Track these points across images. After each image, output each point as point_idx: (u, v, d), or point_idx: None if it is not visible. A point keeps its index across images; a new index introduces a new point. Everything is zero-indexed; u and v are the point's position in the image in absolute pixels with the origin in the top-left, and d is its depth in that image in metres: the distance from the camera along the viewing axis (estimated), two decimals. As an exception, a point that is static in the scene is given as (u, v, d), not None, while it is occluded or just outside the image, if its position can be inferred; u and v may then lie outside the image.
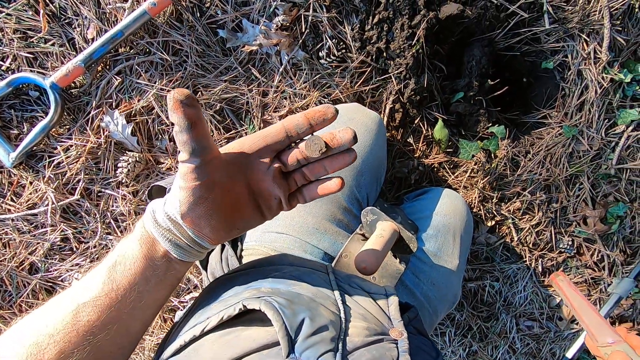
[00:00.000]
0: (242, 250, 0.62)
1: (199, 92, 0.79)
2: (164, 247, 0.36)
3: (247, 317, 0.36)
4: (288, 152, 0.38)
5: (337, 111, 0.37)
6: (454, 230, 0.74)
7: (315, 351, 0.32)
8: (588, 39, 0.85)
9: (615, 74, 0.87)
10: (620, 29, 0.85)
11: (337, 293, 0.43)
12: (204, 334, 0.36)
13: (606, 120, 0.91)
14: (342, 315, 0.39)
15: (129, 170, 0.75)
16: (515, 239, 0.96)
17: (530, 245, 0.97)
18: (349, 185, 0.65)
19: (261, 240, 0.61)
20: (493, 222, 0.95)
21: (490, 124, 0.87)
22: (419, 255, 0.70)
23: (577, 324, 1.03)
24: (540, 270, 0.99)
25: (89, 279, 0.36)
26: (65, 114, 0.76)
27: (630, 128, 0.91)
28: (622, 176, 0.94)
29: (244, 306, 0.35)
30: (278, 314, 0.34)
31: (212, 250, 0.65)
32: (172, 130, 0.35)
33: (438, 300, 0.68)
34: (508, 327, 1.02)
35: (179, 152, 0.34)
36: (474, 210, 0.93)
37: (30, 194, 0.77)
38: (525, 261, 0.98)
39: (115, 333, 0.36)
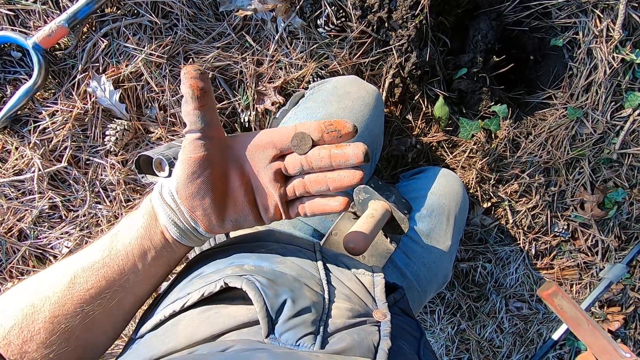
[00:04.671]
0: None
1: (190, 59, 0.76)
2: (163, 224, 0.36)
3: (228, 294, 0.36)
4: (292, 157, 0.36)
5: (355, 130, 0.35)
6: (448, 211, 0.72)
7: (295, 334, 0.32)
8: (602, 15, 0.80)
9: (627, 54, 0.83)
10: (637, 5, 0.80)
11: (322, 273, 0.42)
12: (183, 309, 0.35)
13: (613, 103, 0.88)
14: (326, 295, 0.38)
15: (117, 138, 0.73)
16: (511, 221, 0.95)
17: (525, 228, 0.96)
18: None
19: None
20: (489, 204, 0.94)
21: (493, 103, 0.84)
22: (411, 235, 0.69)
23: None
24: (534, 253, 0.99)
25: (91, 246, 0.37)
26: (50, 77, 0.73)
27: (637, 112, 0.88)
28: (624, 161, 0.92)
29: (226, 284, 0.34)
30: (259, 294, 0.33)
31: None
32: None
33: (428, 281, 0.68)
34: (497, 307, 1.03)
35: (184, 125, 0.34)
36: (471, 191, 0.92)
37: (16, 159, 0.75)
38: (519, 244, 0.97)
39: (107, 304, 0.36)
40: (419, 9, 0.72)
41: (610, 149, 0.91)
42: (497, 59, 0.82)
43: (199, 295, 0.34)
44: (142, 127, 0.77)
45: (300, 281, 0.38)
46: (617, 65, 0.83)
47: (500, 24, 0.82)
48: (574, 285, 1.03)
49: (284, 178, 0.38)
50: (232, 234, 0.60)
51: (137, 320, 0.42)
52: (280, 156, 0.37)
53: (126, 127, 0.74)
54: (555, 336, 0.91)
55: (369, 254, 0.62)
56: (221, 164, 0.36)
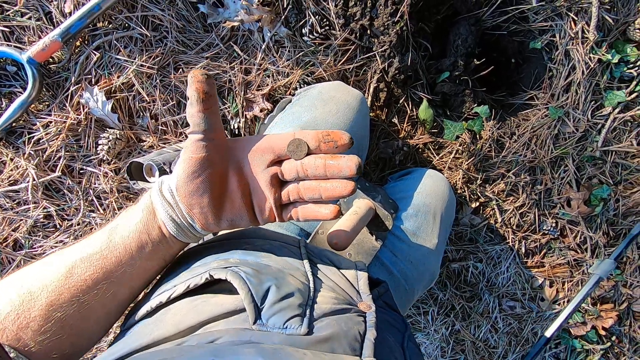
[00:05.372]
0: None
1: (180, 69, 0.78)
2: (161, 219, 0.38)
3: (214, 287, 0.37)
4: (289, 163, 0.38)
5: (351, 142, 0.37)
6: (435, 210, 0.74)
7: (282, 317, 0.32)
8: (576, 18, 0.83)
9: (603, 55, 0.86)
10: (609, 7, 0.83)
11: (307, 265, 0.43)
12: (170, 300, 0.36)
13: (593, 102, 0.90)
14: (312, 285, 0.39)
15: (109, 147, 0.75)
16: (499, 220, 0.97)
17: (514, 227, 0.97)
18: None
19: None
20: (477, 204, 0.95)
21: (476, 105, 0.87)
22: (397, 233, 0.70)
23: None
24: (524, 251, 1.00)
25: (89, 238, 0.38)
26: (44, 89, 0.75)
27: (617, 110, 0.91)
28: (607, 158, 0.94)
29: (211, 275, 0.35)
30: (244, 282, 0.34)
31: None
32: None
33: (415, 279, 0.69)
34: (491, 307, 1.04)
35: (188, 126, 0.36)
36: (459, 191, 0.94)
37: (11, 170, 0.77)
38: (509, 242, 0.99)
39: (103, 294, 0.37)
40: (398, 15, 0.75)
41: (593, 147, 0.93)
42: (478, 62, 0.84)
43: (185, 287, 0.36)
44: (134, 135, 0.79)
45: (284, 271, 0.39)
46: (594, 65, 0.86)
47: (479, 29, 0.85)
48: (566, 283, 1.03)
49: (279, 182, 0.39)
50: (222, 233, 0.61)
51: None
52: (278, 161, 0.38)
53: (118, 136, 0.76)
54: (548, 333, 0.92)
55: (356, 251, 0.63)
56: (221, 166, 0.38)
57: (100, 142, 0.76)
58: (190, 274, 0.38)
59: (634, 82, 0.89)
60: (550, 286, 1.03)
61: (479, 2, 0.81)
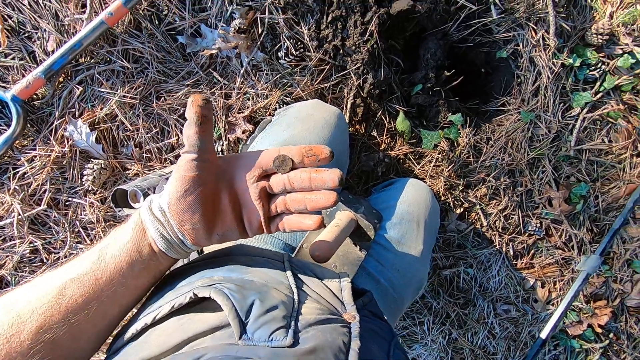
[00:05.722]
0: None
1: (162, 98, 0.81)
2: (151, 237, 0.38)
3: (200, 305, 0.37)
4: (276, 177, 0.40)
5: (332, 155, 0.40)
6: (418, 217, 0.75)
7: (267, 329, 0.33)
8: (536, 27, 0.89)
9: (565, 59, 0.90)
10: (565, 15, 0.89)
11: (291, 279, 0.44)
12: (155, 322, 0.37)
13: (561, 104, 0.94)
14: (296, 297, 0.40)
15: (94, 177, 0.76)
16: (485, 224, 0.98)
17: (500, 230, 0.99)
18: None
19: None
20: (462, 209, 0.97)
21: (450, 114, 0.90)
22: (382, 243, 0.71)
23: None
24: (512, 253, 1.01)
25: (78, 259, 0.38)
26: (29, 125, 0.77)
27: (585, 110, 0.95)
28: (582, 157, 0.97)
29: (195, 294, 0.36)
30: (227, 298, 0.35)
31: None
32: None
33: (402, 286, 0.69)
34: (486, 312, 1.04)
35: (183, 146, 0.37)
36: (442, 198, 0.96)
37: (-3, 207, 0.77)
38: (496, 246, 1.00)
39: (94, 314, 0.37)
40: (368, 34, 0.79)
41: (567, 147, 0.96)
42: (448, 74, 0.88)
43: (170, 307, 0.36)
44: (120, 164, 0.81)
45: (268, 285, 0.40)
46: (558, 69, 0.91)
47: (447, 43, 0.90)
48: (557, 282, 1.04)
49: (267, 196, 0.41)
50: (206, 249, 0.62)
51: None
52: (265, 176, 0.41)
53: (103, 165, 0.77)
54: (543, 335, 0.92)
55: (341, 262, 0.64)
56: (213, 183, 0.39)
57: (85, 172, 0.77)
58: (175, 294, 0.39)
59: (598, 83, 0.94)
60: (542, 287, 1.04)
61: (444, 18, 0.86)
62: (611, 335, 1.09)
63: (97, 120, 0.78)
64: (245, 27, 0.80)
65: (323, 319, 0.37)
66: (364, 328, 0.40)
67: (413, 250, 0.72)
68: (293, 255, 0.61)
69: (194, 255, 0.61)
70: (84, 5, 0.75)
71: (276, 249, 0.62)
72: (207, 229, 0.39)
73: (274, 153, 0.40)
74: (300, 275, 0.47)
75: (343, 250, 0.65)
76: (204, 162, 0.38)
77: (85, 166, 0.77)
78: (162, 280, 0.49)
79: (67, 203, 0.80)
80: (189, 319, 0.36)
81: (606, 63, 0.93)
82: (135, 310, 0.44)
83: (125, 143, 0.80)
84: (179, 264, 0.63)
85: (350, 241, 0.65)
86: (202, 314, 0.36)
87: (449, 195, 0.96)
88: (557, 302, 1.04)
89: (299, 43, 0.83)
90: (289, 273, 0.45)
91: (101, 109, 0.77)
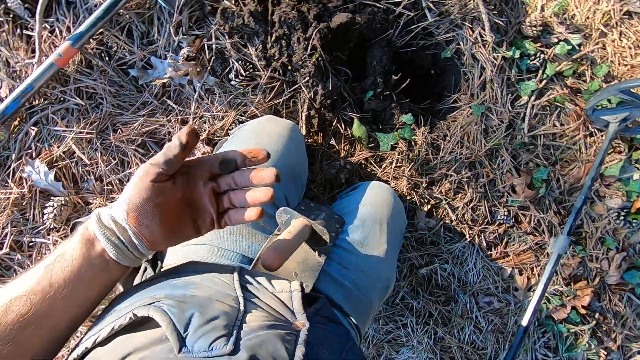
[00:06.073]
0: (161, 268, 0.63)
1: (119, 130, 0.83)
2: (102, 246, 0.40)
3: (142, 325, 0.37)
4: (223, 177, 0.45)
5: (268, 155, 0.45)
6: (380, 218, 0.77)
7: (207, 339, 0.33)
8: (472, 26, 0.94)
9: (505, 53, 0.95)
10: (498, 12, 0.94)
11: (238, 291, 0.44)
12: (96, 345, 0.37)
13: (509, 94, 0.98)
14: (242, 307, 0.40)
15: (55, 215, 0.76)
16: (454, 218, 1.00)
17: (469, 222, 1.00)
18: (260, 189, 0.68)
19: (179, 256, 0.63)
20: (429, 206, 0.99)
21: (404, 115, 0.93)
22: (345, 246, 0.72)
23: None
24: (485, 244, 1.02)
25: (25, 275, 0.38)
26: (-14, 171, 0.77)
27: (533, 98, 0.99)
28: (538, 142, 1.00)
29: (134, 314, 0.36)
30: (165, 314, 0.35)
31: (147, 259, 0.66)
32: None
33: (368, 287, 0.70)
34: (468, 307, 1.03)
35: (154, 157, 0.40)
36: (408, 198, 0.97)
37: (-42, 256, 0.76)
38: (469, 238, 1.01)
39: (43, 328, 0.37)
40: (312, 49, 0.83)
41: (521, 134, 0.99)
42: (396, 78, 0.92)
43: (110, 329, 0.36)
44: (81, 200, 0.81)
45: (211, 299, 0.40)
46: (499, 62, 0.95)
47: (391, 49, 0.94)
48: (534, 268, 1.05)
49: (216, 195, 0.45)
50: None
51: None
52: (212, 178, 0.45)
53: (64, 202, 0.78)
54: (525, 322, 0.92)
55: (301, 269, 0.64)
56: (170, 190, 0.42)
57: (46, 211, 0.77)
58: (116, 316, 0.39)
59: (540, 71, 0.98)
60: (520, 274, 1.05)
61: (384, 26, 0.91)
62: (597, 315, 1.09)
63: (54, 158, 0.79)
64: (194, 55, 0.83)
65: (269, 326, 0.38)
66: (315, 334, 0.41)
67: (377, 251, 0.73)
68: (250, 268, 0.61)
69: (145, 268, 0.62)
70: (33, 51, 0.77)
71: (234, 262, 0.62)
72: (165, 233, 0.42)
73: (219, 157, 0.44)
74: (250, 287, 0.48)
75: (302, 257, 0.65)
76: (166, 176, 0.41)
77: (46, 205, 0.78)
78: (107, 303, 0.49)
79: (30, 244, 0.79)
80: (131, 337, 0.36)
81: (545, 52, 0.98)
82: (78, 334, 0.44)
83: (86, 178, 0.81)
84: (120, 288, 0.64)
85: (309, 248, 0.66)
86: (144, 331, 0.37)
87: (414, 194, 0.97)
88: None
89: (248, 64, 0.86)
90: (236, 285, 0.46)
91: (58, 147, 0.79)
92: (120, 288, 0.70)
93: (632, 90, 0.88)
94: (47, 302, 0.37)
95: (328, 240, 0.64)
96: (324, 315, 0.52)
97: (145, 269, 0.65)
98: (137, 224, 0.40)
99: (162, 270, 0.54)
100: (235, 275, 0.49)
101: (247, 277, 0.51)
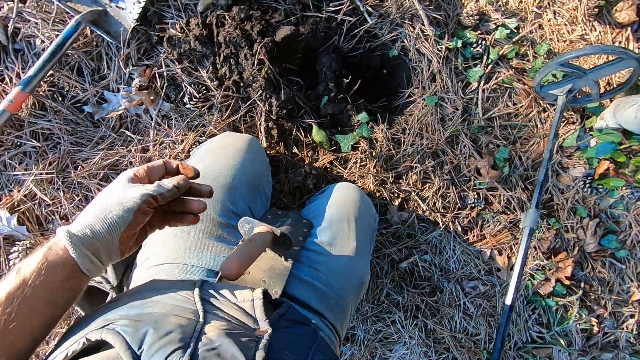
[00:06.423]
0: (127, 294, 0.62)
1: (79, 167, 0.83)
2: (63, 245, 0.41)
3: (98, 348, 0.37)
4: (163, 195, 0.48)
5: (197, 173, 0.50)
6: (348, 216, 0.77)
7: (163, 353, 0.33)
8: (412, 23, 0.98)
9: (448, 44, 0.99)
10: (433, 7, 0.99)
11: (198, 304, 0.45)
12: None
13: (459, 82, 1.02)
14: (201, 319, 0.41)
15: (21, 259, 0.75)
16: (425, 208, 1.01)
17: (441, 210, 1.02)
18: (220, 201, 0.68)
19: (144, 278, 0.62)
20: (399, 200, 1.00)
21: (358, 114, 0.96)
22: (314, 248, 0.72)
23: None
24: (461, 230, 1.04)
25: None
26: (-54, 225, 0.77)
27: (482, 82, 1.03)
28: (494, 124, 1.04)
29: (88, 339, 0.36)
30: (118, 334, 0.35)
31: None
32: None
33: (342, 286, 0.70)
34: (455, 294, 1.04)
35: (157, 186, 0.44)
36: (377, 194, 0.99)
37: None
38: (443, 226, 1.02)
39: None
40: (259, 63, 0.85)
41: (477, 119, 1.03)
42: (347, 81, 0.95)
43: (63, 356, 0.36)
44: (48, 240, 0.81)
45: (168, 314, 0.40)
46: (444, 54, 0.99)
47: (339, 54, 0.98)
48: (513, 247, 1.06)
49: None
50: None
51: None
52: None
53: (29, 245, 0.77)
54: (508, 301, 0.92)
55: (268, 276, 0.64)
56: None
57: (11, 257, 0.76)
58: (70, 342, 0.39)
59: (485, 57, 1.03)
60: (500, 254, 1.06)
61: (328, 34, 0.94)
62: (583, 284, 1.10)
63: (15, 203, 0.79)
64: (146, 84, 0.85)
65: (228, 334, 0.38)
66: (279, 339, 0.41)
67: (346, 250, 0.73)
68: (216, 280, 0.61)
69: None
70: (-16, 100, 0.78)
71: (201, 277, 0.62)
72: (126, 249, 0.46)
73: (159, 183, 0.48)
74: (213, 300, 0.48)
75: (269, 265, 0.65)
76: (151, 208, 0.45)
77: (11, 250, 0.77)
78: (65, 331, 0.49)
79: (-1, 293, 0.78)
80: None
81: (486, 39, 1.03)
82: None
83: (50, 218, 0.81)
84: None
85: (275, 254, 0.66)
86: (99, 354, 0.36)
87: (382, 190, 0.99)
88: (519, 265, 1.06)
89: (201, 86, 0.88)
90: (197, 298, 0.46)
91: (18, 191, 0.79)
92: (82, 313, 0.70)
93: (570, 62, 0.93)
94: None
95: (292, 243, 0.65)
96: (289, 319, 0.52)
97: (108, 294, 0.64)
98: (112, 243, 0.43)
99: (125, 292, 0.54)
100: (196, 290, 0.49)
101: (210, 290, 0.51)
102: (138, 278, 0.63)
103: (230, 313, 0.45)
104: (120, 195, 0.43)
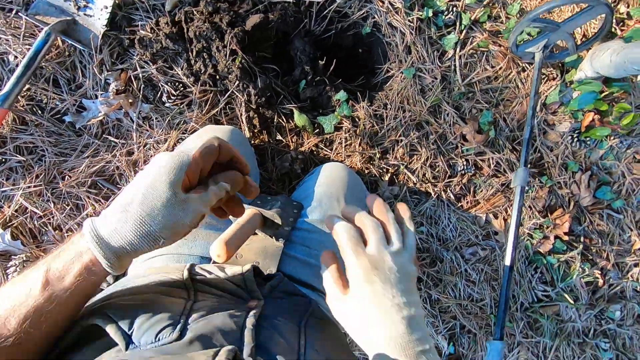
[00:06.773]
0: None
1: (66, 177, 0.84)
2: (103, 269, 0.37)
3: (95, 341, 0.38)
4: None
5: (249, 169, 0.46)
6: (337, 194, 0.78)
7: (153, 332, 0.34)
8: (380, -3, 0.98)
9: (418, 14, 0.99)
10: (400, -21, 0.99)
11: (188, 283, 0.46)
12: None
13: (435, 52, 1.02)
14: (192, 297, 0.41)
15: (19, 272, 0.76)
16: (415, 180, 1.01)
17: (432, 180, 1.02)
18: (205, 191, 0.69)
19: (139, 271, 0.63)
20: (389, 175, 1.00)
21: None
22: (306, 227, 0.73)
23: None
24: (454, 197, 1.04)
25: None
26: (-58, 248, 0.77)
27: (458, 49, 1.03)
28: (475, 89, 1.04)
29: (80, 325, 0.37)
30: (109, 317, 0.36)
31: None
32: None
33: (335, 262, 0.70)
34: (455, 263, 1.04)
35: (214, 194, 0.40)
36: (366, 172, 0.99)
37: None
38: (435, 196, 1.02)
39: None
40: (230, 54, 0.86)
41: (457, 85, 1.03)
42: (322, 63, 0.95)
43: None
44: (44, 252, 0.81)
45: (158, 295, 0.41)
46: (416, 25, 0.99)
47: (311, 37, 0.98)
48: (508, 209, 1.06)
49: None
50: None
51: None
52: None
53: (26, 258, 0.78)
54: (507, 261, 0.92)
55: (262, 257, 0.65)
56: None
57: (9, 272, 0.77)
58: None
59: (457, 23, 1.03)
60: (496, 217, 1.06)
61: (298, 18, 0.95)
62: (583, 239, 1.10)
63: (7, 218, 0.79)
64: (123, 88, 0.86)
65: (219, 307, 0.39)
66: (272, 307, 0.42)
67: (338, 226, 0.73)
68: (210, 263, 0.62)
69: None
70: (-36, 121, 0.79)
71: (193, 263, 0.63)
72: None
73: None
74: (202, 278, 0.49)
75: (261, 247, 0.66)
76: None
77: (8, 265, 0.78)
78: None
79: None
80: (81, 353, 0.37)
81: (456, 5, 1.03)
82: None
83: (44, 230, 0.82)
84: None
85: (265, 236, 0.67)
86: (93, 344, 0.37)
87: (370, 167, 0.99)
88: (516, 226, 1.06)
89: (178, 83, 0.89)
90: (185, 275, 0.47)
91: (9, 206, 0.79)
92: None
93: (542, 16, 0.93)
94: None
95: (280, 222, 0.65)
96: (283, 290, 0.53)
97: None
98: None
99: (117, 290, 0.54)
100: (186, 271, 0.50)
101: (200, 270, 0.52)
102: (133, 271, 0.64)
103: (221, 287, 0.46)
104: (170, 217, 0.36)
